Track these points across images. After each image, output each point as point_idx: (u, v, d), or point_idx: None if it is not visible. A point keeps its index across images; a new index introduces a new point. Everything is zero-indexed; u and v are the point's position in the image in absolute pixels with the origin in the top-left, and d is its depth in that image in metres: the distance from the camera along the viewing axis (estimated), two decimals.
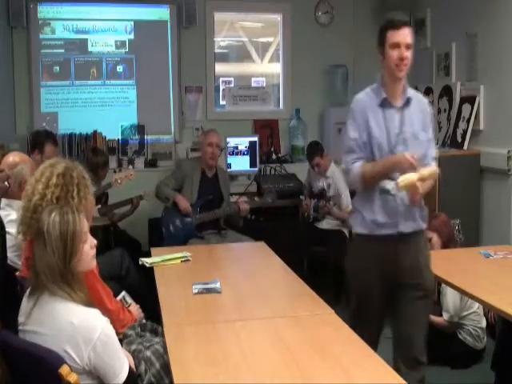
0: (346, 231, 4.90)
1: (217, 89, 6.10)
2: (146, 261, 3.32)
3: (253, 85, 6.21)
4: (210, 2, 5.85)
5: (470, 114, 4.84)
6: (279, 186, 5.30)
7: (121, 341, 2.25)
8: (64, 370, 1.79)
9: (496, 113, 4.67)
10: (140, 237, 5.14)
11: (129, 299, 2.84)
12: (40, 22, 5.59)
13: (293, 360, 2.04)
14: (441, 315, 3.74)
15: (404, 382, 1.88)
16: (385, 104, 2.67)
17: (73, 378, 1.80)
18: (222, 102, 6.11)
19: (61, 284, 1.95)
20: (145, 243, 5.03)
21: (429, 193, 2.71)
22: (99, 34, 5.73)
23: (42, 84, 5.62)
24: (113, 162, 5.44)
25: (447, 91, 5.22)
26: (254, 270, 3.29)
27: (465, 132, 4.87)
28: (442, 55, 5.33)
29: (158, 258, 3.34)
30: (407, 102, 2.69)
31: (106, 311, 2.25)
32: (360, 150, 2.67)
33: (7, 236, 2.85)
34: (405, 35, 2.60)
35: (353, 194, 3.59)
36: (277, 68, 6.24)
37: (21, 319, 2.03)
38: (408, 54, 2.60)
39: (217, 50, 6.09)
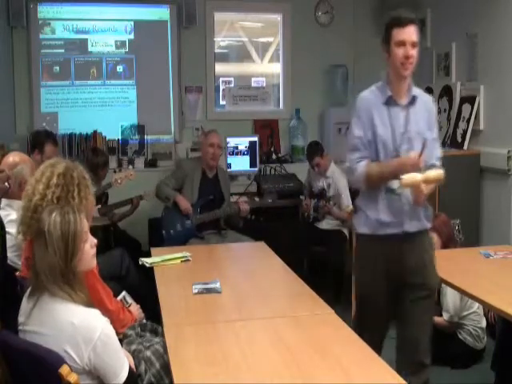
0: (345, 231, 4.90)
1: (217, 89, 6.10)
2: (146, 261, 3.32)
3: (253, 85, 6.21)
4: (209, 2, 5.85)
5: (470, 114, 4.84)
6: (279, 186, 5.30)
7: (121, 341, 2.25)
8: (64, 370, 1.79)
9: (496, 113, 4.67)
10: (140, 237, 5.14)
11: (129, 299, 2.84)
12: (40, 21, 5.59)
13: (293, 360, 2.04)
14: (441, 315, 3.74)
15: (404, 382, 1.87)
16: (390, 102, 2.65)
17: (73, 378, 1.80)
18: (222, 102, 6.11)
19: (61, 284, 1.95)
20: (145, 243, 5.03)
21: (429, 193, 2.69)
22: (99, 34, 5.73)
23: (41, 84, 5.62)
24: (113, 162, 5.44)
25: (447, 91, 5.22)
26: (254, 270, 3.29)
27: (465, 132, 4.87)
28: (442, 55, 5.33)
29: (158, 258, 3.33)
30: (412, 100, 2.67)
31: (106, 311, 2.25)
32: (365, 148, 2.65)
33: (7, 236, 2.85)
34: (410, 33, 2.57)
35: (354, 193, 3.59)
36: (277, 68, 6.24)
37: (21, 319, 2.03)
38: (413, 52, 2.57)
39: (217, 50, 6.09)
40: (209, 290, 2.77)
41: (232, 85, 6.14)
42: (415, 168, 2.51)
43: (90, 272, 2.25)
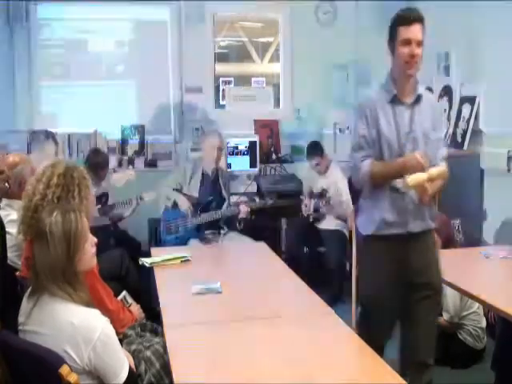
0: (345, 231, 4.90)
1: (217, 89, 6.10)
2: (146, 261, 3.32)
3: (253, 85, 6.20)
4: (209, 1, 5.85)
5: (470, 114, 4.84)
6: (279, 186, 5.31)
7: (121, 341, 2.25)
8: (64, 369, 1.78)
9: (496, 113, 4.66)
10: (140, 237, 5.14)
11: (129, 299, 2.84)
12: (40, 22, 5.59)
13: (293, 360, 2.04)
14: (441, 315, 3.74)
15: (404, 382, 1.87)
16: (395, 101, 2.63)
17: (73, 378, 1.79)
18: (222, 102, 6.11)
19: (61, 284, 1.95)
20: (145, 243, 5.03)
21: (434, 192, 2.65)
22: (99, 34, 5.73)
23: (41, 84, 5.62)
24: (113, 162, 5.44)
25: (447, 91, 5.22)
26: (254, 270, 3.29)
27: (465, 132, 4.87)
28: (442, 55, 5.33)
29: (158, 258, 3.33)
30: (418, 99, 2.65)
31: (106, 311, 2.25)
32: (369, 147, 2.63)
33: (7, 236, 2.85)
34: (416, 32, 2.55)
35: (356, 194, 3.57)
36: (277, 68, 6.24)
37: (21, 319, 2.03)
38: (419, 51, 2.56)
39: (217, 50, 6.09)
40: (209, 290, 2.77)
41: (232, 85, 6.14)
42: (420, 168, 2.49)
43: (90, 272, 2.25)
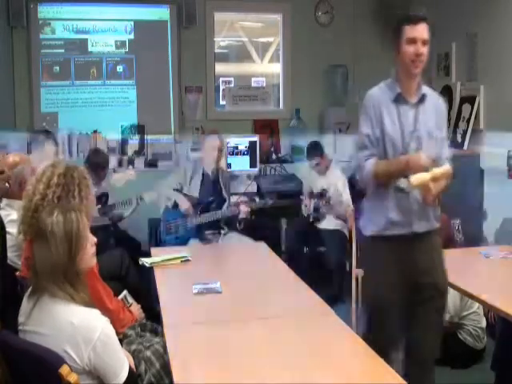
0: (345, 231, 4.90)
1: (217, 89, 6.10)
2: (146, 261, 3.32)
3: (253, 85, 6.21)
4: (209, 2, 5.86)
5: (470, 114, 4.84)
6: (279, 186, 5.31)
7: (121, 341, 2.25)
8: (64, 369, 1.78)
9: (496, 113, 4.67)
10: (140, 237, 5.14)
11: (130, 299, 2.84)
12: (40, 21, 5.60)
13: (293, 360, 2.04)
14: None
15: (404, 382, 1.87)
16: (399, 99, 2.61)
17: (73, 377, 1.79)
18: (222, 102, 6.11)
19: (61, 285, 1.95)
20: (145, 243, 5.03)
21: (438, 192, 2.62)
22: (99, 34, 5.74)
23: (41, 84, 5.63)
24: (113, 162, 5.43)
25: (447, 91, 5.22)
26: (254, 270, 3.29)
27: (465, 132, 4.87)
28: (442, 55, 5.33)
29: (158, 258, 3.33)
30: (422, 98, 2.64)
31: (106, 311, 2.25)
32: (373, 146, 2.61)
33: (7, 236, 2.85)
34: (422, 30, 2.54)
35: (357, 194, 3.56)
36: (277, 68, 6.24)
37: (21, 319, 2.03)
38: (424, 50, 2.54)
39: (217, 50, 6.09)
40: (209, 290, 2.77)
41: (232, 85, 6.14)
42: (423, 168, 2.47)
43: (90, 272, 2.25)
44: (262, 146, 5.78)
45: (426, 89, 2.67)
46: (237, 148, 5.59)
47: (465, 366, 3.65)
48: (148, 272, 3.27)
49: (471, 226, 4.67)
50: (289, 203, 5.16)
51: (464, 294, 2.94)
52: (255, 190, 5.43)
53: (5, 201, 3.14)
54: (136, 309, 2.82)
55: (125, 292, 2.85)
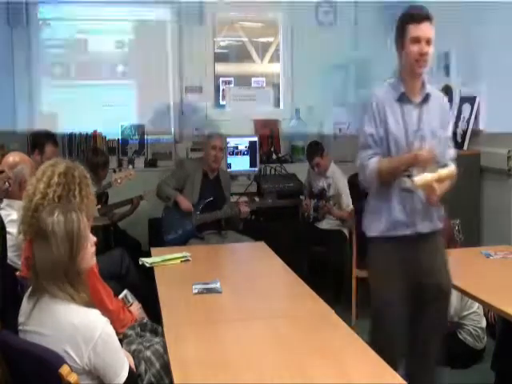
0: (345, 231, 4.90)
1: (217, 89, 6.10)
2: (146, 261, 3.32)
3: (253, 85, 6.20)
4: (210, 1, 5.85)
5: (470, 114, 4.84)
6: (279, 186, 5.30)
7: (121, 341, 2.25)
8: (64, 369, 1.78)
9: (496, 113, 4.66)
10: (140, 237, 5.14)
11: (130, 298, 2.83)
12: (40, 22, 5.59)
13: (293, 360, 2.04)
14: None
15: (404, 382, 1.87)
16: (403, 99, 2.60)
17: (73, 377, 1.80)
18: (222, 102, 6.11)
19: (61, 285, 1.94)
20: (145, 243, 5.03)
21: (443, 192, 2.60)
22: (99, 34, 5.73)
23: (42, 84, 5.61)
24: (113, 162, 5.43)
25: (447, 91, 5.22)
26: (254, 270, 3.29)
27: (465, 132, 4.87)
28: (442, 55, 5.32)
29: (158, 258, 3.34)
30: (426, 98, 2.62)
31: (106, 311, 2.25)
32: (376, 145, 2.59)
33: (7, 236, 2.85)
34: (426, 29, 2.53)
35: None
36: (277, 68, 6.24)
37: (21, 319, 2.03)
38: (429, 49, 2.54)
39: (217, 50, 6.09)
40: (209, 290, 2.77)
41: (232, 85, 6.14)
42: (427, 163, 2.46)
43: (90, 272, 2.25)
44: (262, 145, 5.78)
45: (430, 88, 2.66)
46: (237, 148, 5.59)
47: (465, 366, 3.65)
48: (148, 272, 3.27)
49: (471, 226, 4.67)
50: (289, 203, 5.16)
51: (464, 293, 2.94)
52: (255, 190, 5.43)
53: (5, 201, 3.14)
54: (136, 308, 2.81)
55: (125, 291, 2.84)
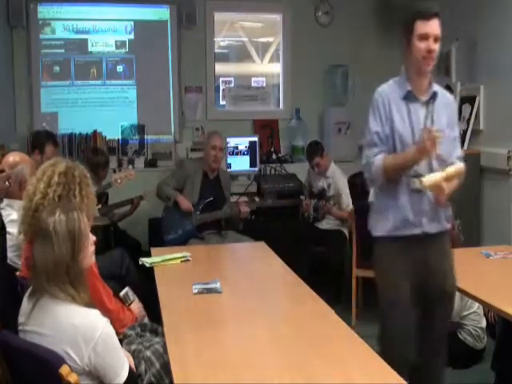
0: (345, 231, 4.90)
1: (217, 89, 6.10)
2: (146, 261, 3.32)
3: (253, 85, 6.20)
4: (209, 2, 5.85)
5: (470, 114, 4.84)
6: (279, 186, 5.31)
7: (121, 341, 2.25)
8: (64, 369, 1.79)
9: (496, 113, 4.67)
10: (140, 237, 5.14)
11: (132, 295, 2.81)
12: (40, 22, 5.59)
13: (293, 360, 2.04)
14: None
15: (404, 382, 1.87)
16: (409, 97, 2.58)
17: (73, 377, 1.80)
18: (222, 102, 6.11)
19: (62, 285, 1.94)
20: (145, 243, 5.03)
21: (451, 192, 2.59)
22: (99, 34, 5.73)
23: (42, 84, 5.62)
24: (113, 162, 5.43)
25: (447, 91, 5.21)
26: (254, 270, 3.29)
27: (465, 132, 4.87)
28: (442, 55, 5.33)
29: (158, 258, 3.34)
30: (433, 96, 2.60)
31: (106, 311, 2.25)
32: (382, 143, 2.57)
33: (7, 236, 2.85)
34: (434, 26, 2.51)
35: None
36: (277, 68, 6.24)
37: (21, 319, 2.03)
38: (436, 46, 2.52)
39: (217, 50, 6.09)
40: (209, 290, 2.77)
41: (232, 85, 6.14)
42: (431, 149, 2.42)
43: (90, 272, 2.25)
44: (262, 146, 5.79)
45: (436, 87, 2.64)
46: (237, 148, 5.60)
47: (465, 365, 3.66)
48: (148, 272, 3.27)
49: (471, 226, 4.67)
50: (289, 203, 5.16)
51: (464, 293, 2.93)
52: (255, 190, 5.44)
53: (5, 201, 3.14)
54: (137, 306, 2.80)
55: (126, 288, 2.82)
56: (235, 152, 5.59)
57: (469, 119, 4.85)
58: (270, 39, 6.27)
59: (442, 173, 2.47)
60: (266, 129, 5.94)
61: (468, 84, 4.98)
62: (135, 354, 2.32)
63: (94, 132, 5.60)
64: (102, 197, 4.73)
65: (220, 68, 6.11)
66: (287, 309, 2.67)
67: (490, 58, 4.70)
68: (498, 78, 4.60)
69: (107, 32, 5.75)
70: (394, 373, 1.93)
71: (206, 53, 5.91)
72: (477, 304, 3.65)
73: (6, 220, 2.92)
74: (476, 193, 4.78)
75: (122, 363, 1.97)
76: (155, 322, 2.63)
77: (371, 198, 2.96)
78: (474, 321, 3.75)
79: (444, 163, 2.55)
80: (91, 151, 5.04)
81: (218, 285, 2.82)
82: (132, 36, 5.78)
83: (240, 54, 6.32)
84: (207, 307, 2.61)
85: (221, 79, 6.12)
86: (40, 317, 1.95)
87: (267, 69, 6.30)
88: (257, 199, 5.15)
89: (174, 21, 5.77)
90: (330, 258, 4.80)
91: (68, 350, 1.87)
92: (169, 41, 5.81)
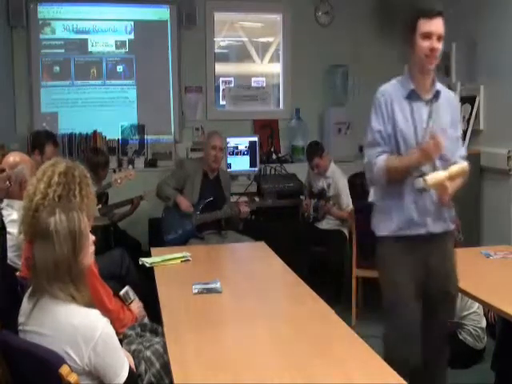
0: (345, 231, 4.90)
1: (217, 89, 6.10)
2: (146, 261, 3.32)
3: (253, 85, 6.21)
4: (209, 2, 5.85)
5: (470, 114, 4.84)
6: (279, 186, 5.31)
7: (121, 341, 2.25)
8: (64, 369, 1.79)
9: (496, 113, 4.67)
10: (140, 237, 5.14)
11: (132, 295, 2.81)
12: (40, 22, 5.59)
13: (293, 360, 2.04)
14: None
15: (404, 382, 1.87)
16: (412, 96, 2.58)
17: (73, 377, 1.80)
18: (222, 102, 6.11)
19: (62, 285, 1.94)
20: (145, 243, 5.03)
21: (454, 191, 2.60)
22: (99, 34, 5.73)
23: (42, 84, 5.62)
24: (113, 162, 5.43)
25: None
26: (254, 270, 3.29)
27: (465, 132, 4.87)
28: (442, 55, 5.33)
29: (158, 258, 3.34)
30: (436, 95, 2.60)
31: (106, 311, 2.25)
32: (385, 142, 2.56)
33: (7, 236, 2.85)
34: (438, 25, 2.51)
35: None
36: (277, 68, 6.24)
37: (21, 319, 2.03)
38: (439, 45, 2.52)
39: (217, 50, 6.09)
40: (209, 290, 2.77)
41: (232, 85, 6.14)
42: (436, 152, 2.42)
43: (90, 271, 2.25)
44: (262, 146, 5.79)
45: (439, 85, 2.64)
46: (237, 148, 5.60)
47: (465, 365, 3.66)
48: (148, 272, 3.27)
49: (471, 226, 4.67)
50: (289, 203, 5.16)
51: (464, 293, 2.93)
52: (255, 190, 5.44)
53: (5, 201, 3.14)
54: (137, 306, 2.80)
55: (127, 287, 2.81)
56: (235, 152, 5.59)
57: (469, 119, 4.85)
58: (270, 39, 6.27)
59: (446, 172, 2.46)
60: (266, 129, 5.94)
61: (468, 84, 4.98)
62: (135, 354, 2.32)
63: (94, 132, 5.60)
64: (102, 197, 4.73)
65: (220, 68, 6.11)
66: (287, 309, 2.67)
67: (489, 58, 4.70)
68: (498, 78, 4.60)
69: (107, 32, 5.75)
70: (394, 373, 1.93)
71: (206, 53, 5.91)
72: (477, 304, 3.65)
73: (6, 220, 2.92)
74: (476, 193, 4.78)
75: (121, 363, 1.97)
76: (155, 322, 2.63)
77: (371, 197, 2.96)
78: (474, 321, 3.75)
79: (447, 162, 2.54)
80: (91, 151, 5.04)
81: (218, 285, 2.82)
82: (132, 36, 5.78)
83: (240, 54, 6.32)
84: (207, 307, 2.61)
85: (221, 79, 6.12)
86: (40, 317, 1.95)
87: (267, 69, 6.30)
88: (257, 199, 5.15)
89: (174, 21, 5.77)
90: (330, 258, 4.80)
91: (68, 350, 1.87)
92: (169, 41, 5.82)
